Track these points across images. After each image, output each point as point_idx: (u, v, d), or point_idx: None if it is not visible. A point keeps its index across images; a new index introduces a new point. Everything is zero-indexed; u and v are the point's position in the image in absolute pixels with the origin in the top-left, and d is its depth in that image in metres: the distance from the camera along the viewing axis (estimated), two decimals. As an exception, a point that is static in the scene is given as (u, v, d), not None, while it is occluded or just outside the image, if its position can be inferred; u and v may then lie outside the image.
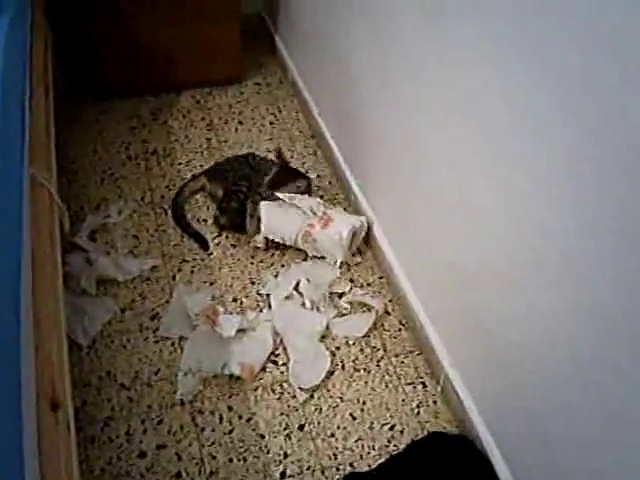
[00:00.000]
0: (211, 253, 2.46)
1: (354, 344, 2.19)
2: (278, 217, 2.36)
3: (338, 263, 2.33)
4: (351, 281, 2.36)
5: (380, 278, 2.39)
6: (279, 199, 2.41)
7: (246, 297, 2.32)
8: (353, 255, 2.44)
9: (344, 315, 2.25)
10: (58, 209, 1.96)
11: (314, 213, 2.34)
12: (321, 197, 2.67)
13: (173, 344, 2.17)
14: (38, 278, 1.65)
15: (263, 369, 2.11)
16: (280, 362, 2.13)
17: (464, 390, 1.97)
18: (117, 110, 3.09)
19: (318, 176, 2.79)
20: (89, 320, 2.21)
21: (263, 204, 2.38)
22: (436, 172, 1.89)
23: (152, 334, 2.20)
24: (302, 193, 2.52)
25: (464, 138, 1.69)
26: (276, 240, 2.37)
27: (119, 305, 2.28)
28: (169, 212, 2.60)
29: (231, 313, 2.25)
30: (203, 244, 2.48)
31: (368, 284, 2.37)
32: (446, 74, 1.72)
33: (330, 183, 2.76)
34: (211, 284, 2.36)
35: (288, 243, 2.37)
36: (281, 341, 2.17)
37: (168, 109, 3.11)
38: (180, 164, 2.84)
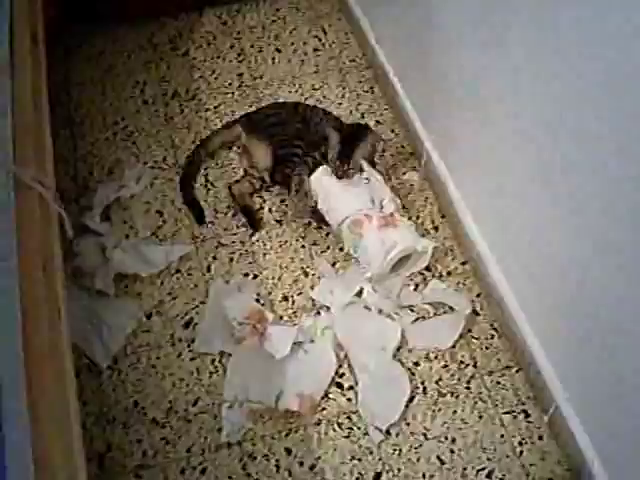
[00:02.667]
0: (252, 234, 1.99)
1: (436, 358, 1.76)
2: (336, 188, 1.86)
3: (367, 276, 1.81)
4: (427, 269, 1.89)
5: (463, 264, 1.93)
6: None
7: (299, 294, 1.88)
8: (427, 230, 1.97)
9: (422, 318, 1.80)
10: (57, 215, 1.50)
11: (381, 206, 1.83)
12: (382, 152, 2.15)
13: (213, 362, 1.76)
14: (30, 318, 1.22)
15: (326, 395, 1.69)
16: (346, 385, 1.72)
17: (580, 423, 1.55)
18: (127, 39, 2.54)
19: (378, 122, 2.26)
20: (108, 332, 1.80)
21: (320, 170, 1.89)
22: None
23: (187, 348, 1.79)
24: (372, 159, 1.98)
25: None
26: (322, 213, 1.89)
27: (144, 309, 1.85)
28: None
29: (282, 318, 1.82)
30: (198, 217, 2.03)
31: (448, 273, 1.91)
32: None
33: (394, 132, 2.24)
34: (255, 277, 1.91)
35: (330, 223, 1.88)
36: (345, 356, 1.75)
37: (189, 35, 2.55)
38: (207, 110, 2.33)
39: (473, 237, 1.86)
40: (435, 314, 1.81)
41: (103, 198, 2.06)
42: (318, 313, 1.83)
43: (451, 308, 1.81)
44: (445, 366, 1.75)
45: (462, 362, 1.75)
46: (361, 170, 1.86)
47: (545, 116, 1.42)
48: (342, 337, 1.76)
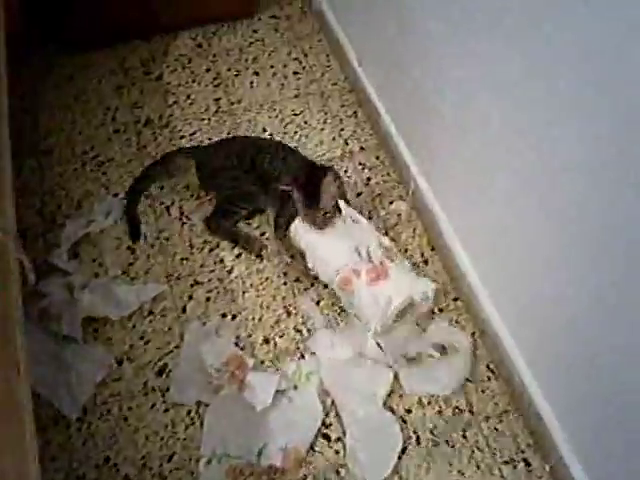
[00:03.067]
0: (231, 270, 1.87)
1: (429, 404, 1.64)
2: (318, 242, 1.74)
3: (371, 331, 1.63)
4: (417, 306, 1.77)
5: (455, 300, 1.81)
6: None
7: (281, 336, 1.76)
8: (416, 264, 1.85)
9: (417, 361, 1.68)
10: (18, 264, 1.37)
11: (368, 256, 1.69)
12: (368, 180, 2.05)
13: (190, 413, 1.63)
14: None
15: (311, 447, 1.57)
16: (333, 436, 1.60)
17: (583, 472, 1.43)
18: (98, 63, 2.42)
19: (362, 148, 2.15)
20: (77, 380, 1.67)
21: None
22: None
23: (161, 398, 1.66)
24: (345, 198, 1.84)
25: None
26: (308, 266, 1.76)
27: (115, 355, 1.72)
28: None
29: (263, 363, 1.69)
30: (133, 232, 1.94)
31: (440, 310, 1.79)
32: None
33: (378, 159, 2.12)
34: (233, 317, 1.79)
35: (323, 279, 1.76)
36: (332, 403, 1.62)
37: (162, 58, 2.44)
38: (182, 137, 2.21)
39: (464, 268, 1.75)
40: (439, 357, 1.67)
41: (71, 234, 1.93)
42: (302, 357, 1.70)
43: (455, 349, 1.68)
44: (439, 412, 1.63)
45: (457, 408, 1.63)
46: (339, 211, 1.73)
47: (534, 139, 1.31)
48: (328, 383, 1.64)
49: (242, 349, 1.71)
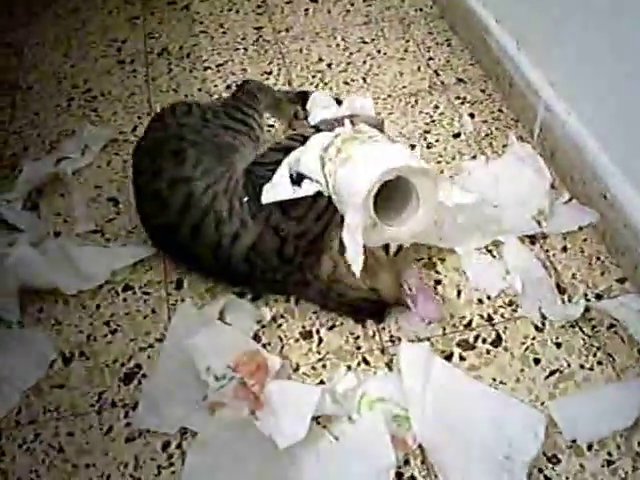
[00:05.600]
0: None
1: (595, 451, 0.91)
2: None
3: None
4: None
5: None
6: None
7: (331, 328, 1.06)
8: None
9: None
10: None
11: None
12: (471, 116, 1.37)
13: (166, 447, 0.95)
14: None
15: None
16: None
17: None
18: (109, -12, 1.85)
19: (459, 80, 1.48)
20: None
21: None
22: None
23: (123, 419, 0.98)
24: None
25: None
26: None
27: (61, 347, 1.06)
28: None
29: (298, 369, 1.01)
30: None
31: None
32: None
33: (484, 92, 1.46)
34: (255, 298, 1.10)
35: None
36: (420, 449, 0.91)
37: (193, -16, 1.84)
38: (207, 69, 1.59)
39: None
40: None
41: (30, 177, 1.31)
42: (366, 362, 1.01)
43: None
44: (610, 464, 0.90)
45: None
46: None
47: None
48: (421, 424, 0.92)
49: (265, 346, 1.03)
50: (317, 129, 1.10)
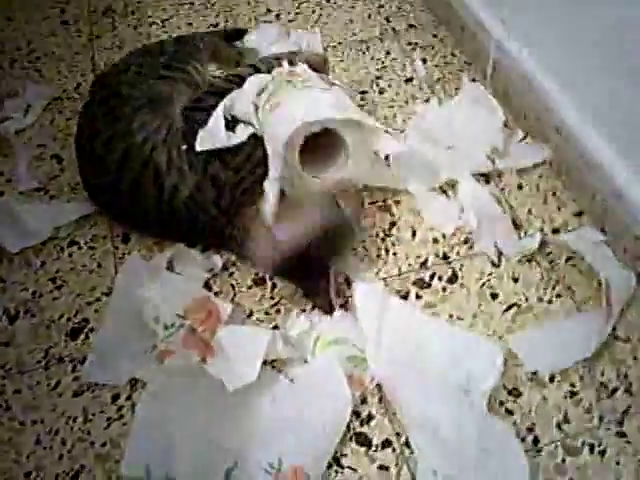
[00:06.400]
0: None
1: (558, 382, 0.90)
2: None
3: None
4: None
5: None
6: None
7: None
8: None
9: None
10: None
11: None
12: (423, 61, 1.35)
13: (116, 399, 0.92)
14: None
15: (334, 464, 0.83)
16: (375, 440, 0.86)
17: None
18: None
19: (411, 26, 1.45)
20: None
21: None
22: None
23: (71, 373, 0.95)
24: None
25: None
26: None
27: (6, 305, 1.02)
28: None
29: (251, 315, 0.98)
30: None
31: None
32: None
33: (436, 37, 1.43)
34: (205, 249, 1.07)
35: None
36: (376, 386, 0.89)
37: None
38: (153, 24, 1.54)
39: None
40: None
41: (-31, 138, 1.26)
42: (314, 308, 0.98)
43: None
44: (573, 395, 0.88)
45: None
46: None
47: None
48: (378, 363, 0.90)
49: (217, 294, 1.00)
50: (256, 69, 1.07)
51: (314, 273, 0.96)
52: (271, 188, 0.93)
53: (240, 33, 1.37)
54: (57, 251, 1.09)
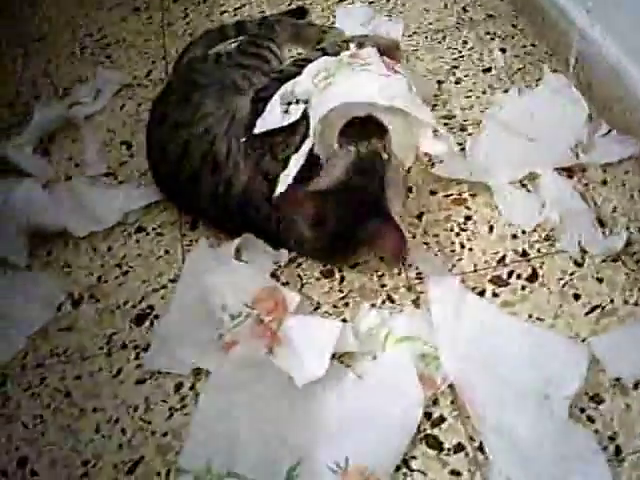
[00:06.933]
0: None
1: None
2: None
3: None
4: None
5: None
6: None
7: (354, 267, 0.99)
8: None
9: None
10: None
11: None
12: (502, 51, 1.29)
13: (179, 388, 0.90)
14: None
15: (402, 466, 0.79)
16: (447, 443, 0.81)
17: None
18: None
19: (489, 16, 1.40)
20: (6, 327, 0.97)
21: None
22: None
23: (134, 361, 0.93)
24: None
25: None
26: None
27: (70, 289, 1.01)
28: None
29: (319, 307, 0.94)
30: None
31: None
32: None
33: (515, 27, 1.38)
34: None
35: None
36: (450, 388, 0.85)
37: None
38: (224, 12, 1.53)
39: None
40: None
41: (43, 122, 1.27)
42: (391, 301, 0.94)
43: None
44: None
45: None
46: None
47: None
48: (452, 362, 0.86)
49: (284, 285, 0.97)
50: (324, 52, 1.03)
51: (369, 215, 0.91)
52: (295, 162, 0.89)
53: (303, 11, 1.38)
54: (124, 237, 1.08)
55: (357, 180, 0.90)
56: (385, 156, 0.91)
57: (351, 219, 0.91)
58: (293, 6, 1.46)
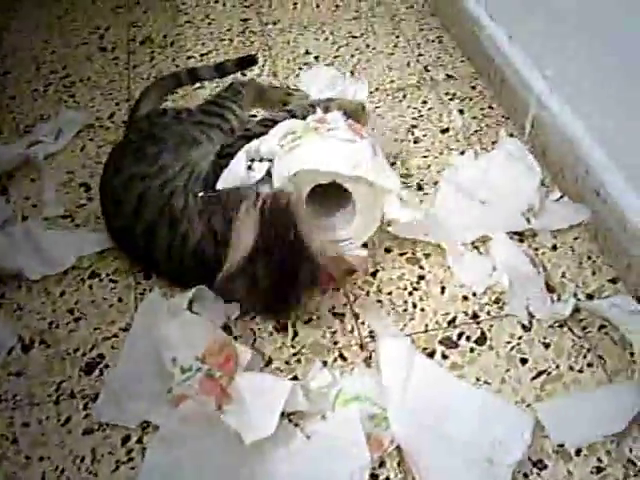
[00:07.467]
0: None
1: (584, 456, 0.86)
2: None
3: None
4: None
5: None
6: None
7: (308, 322, 1.00)
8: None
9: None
10: None
11: None
12: (460, 112, 1.33)
13: (126, 442, 0.89)
14: None
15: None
16: None
17: None
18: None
19: (449, 76, 1.44)
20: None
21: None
22: None
23: (82, 411, 0.92)
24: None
25: None
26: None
27: (21, 333, 1.00)
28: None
29: (270, 363, 0.95)
30: None
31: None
32: None
33: (475, 89, 1.42)
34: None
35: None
36: (396, 449, 0.85)
37: (179, -25, 1.80)
38: (190, 58, 1.54)
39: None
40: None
41: (1, 161, 1.26)
42: (343, 358, 0.95)
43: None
44: (600, 471, 0.84)
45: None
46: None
47: None
48: (400, 424, 0.87)
49: (236, 338, 0.97)
50: (291, 114, 1.05)
51: (296, 263, 0.93)
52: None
53: (252, 61, 1.42)
54: (78, 282, 1.07)
55: (270, 234, 0.91)
56: (290, 191, 0.92)
57: (279, 273, 0.92)
58: (259, 58, 1.48)
